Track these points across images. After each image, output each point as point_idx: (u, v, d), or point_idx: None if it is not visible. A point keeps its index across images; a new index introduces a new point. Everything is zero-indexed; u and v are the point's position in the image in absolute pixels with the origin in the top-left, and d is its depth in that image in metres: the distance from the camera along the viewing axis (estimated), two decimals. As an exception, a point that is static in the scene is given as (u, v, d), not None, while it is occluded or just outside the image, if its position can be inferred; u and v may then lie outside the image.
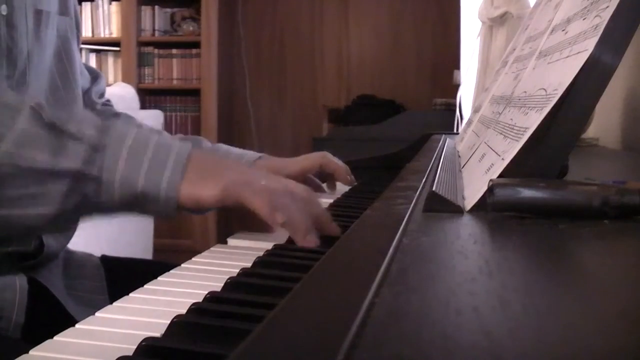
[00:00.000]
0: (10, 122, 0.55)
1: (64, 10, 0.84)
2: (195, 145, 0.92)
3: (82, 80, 0.96)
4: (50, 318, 0.73)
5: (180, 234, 3.06)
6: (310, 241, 0.58)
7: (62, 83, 0.82)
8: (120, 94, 2.38)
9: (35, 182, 0.55)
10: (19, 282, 0.71)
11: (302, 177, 0.89)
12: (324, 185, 0.96)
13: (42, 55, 0.78)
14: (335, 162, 0.91)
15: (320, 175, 0.94)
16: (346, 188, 0.97)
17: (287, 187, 0.60)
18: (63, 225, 0.59)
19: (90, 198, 0.57)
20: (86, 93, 0.97)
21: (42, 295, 0.75)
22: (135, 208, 0.59)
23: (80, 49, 0.96)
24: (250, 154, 0.91)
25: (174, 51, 3.32)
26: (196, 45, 3.26)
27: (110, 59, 3.32)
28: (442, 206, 0.46)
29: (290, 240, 0.61)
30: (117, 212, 0.60)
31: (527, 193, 0.42)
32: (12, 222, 0.56)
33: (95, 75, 1.01)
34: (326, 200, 0.83)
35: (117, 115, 1.00)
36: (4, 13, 0.71)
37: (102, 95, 1.03)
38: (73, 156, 0.55)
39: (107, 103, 1.03)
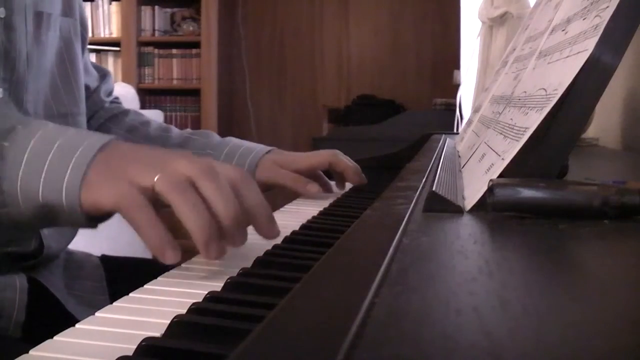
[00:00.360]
0: None
1: (67, 12, 0.84)
2: (209, 137, 0.92)
3: (90, 79, 0.96)
4: (50, 318, 0.73)
5: (180, 234, 3.06)
6: (214, 251, 0.47)
7: (62, 84, 0.82)
8: (120, 94, 2.38)
9: None
10: (19, 281, 0.71)
11: (310, 174, 0.88)
12: (333, 184, 0.95)
13: (42, 57, 0.77)
14: (344, 161, 0.89)
15: (328, 174, 0.93)
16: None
17: (189, 179, 0.48)
18: None
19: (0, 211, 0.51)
20: (95, 92, 0.97)
21: (42, 295, 0.75)
22: (48, 219, 0.51)
23: (89, 50, 0.96)
24: (260, 147, 0.90)
25: (174, 51, 3.32)
26: (196, 45, 3.26)
27: (110, 59, 3.32)
28: (442, 206, 0.46)
29: (288, 240, 0.61)
30: (35, 226, 0.57)
31: (527, 193, 0.42)
32: None
33: (103, 74, 1.01)
34: (325, 202, 0.83)
35: (125, 112, 1.00)
36: (2, 16, 0.70)
37: (110, 93, 1.03)
38: None
39: (116, 100, 1.03)
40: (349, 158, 0.91)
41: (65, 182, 0.48)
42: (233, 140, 0.92)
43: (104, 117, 0.98)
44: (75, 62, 0.85)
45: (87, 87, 0.93)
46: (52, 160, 0.49)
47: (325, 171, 0.91)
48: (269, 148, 0.90)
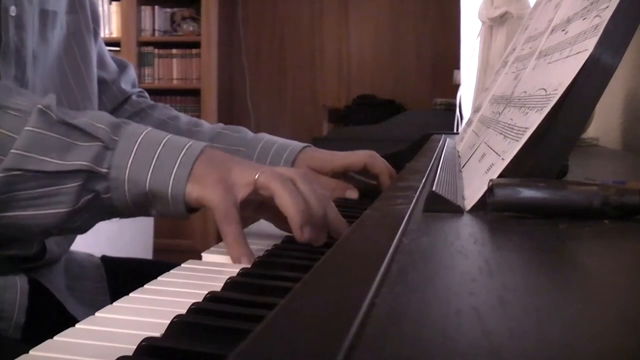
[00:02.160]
0: (21, 127, 0.55)
1: (74, 8, 0.83)
2: (240, 132, 0.90)
3: (106, 73, 0.94)
4: (50, 318, 0.73)
5: (180, 234, 3.06)
6: (308, 233, 0.55)
7: (74, 81, 0.81)
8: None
9: (46, 183, 0.55)
10: (20, 282, 0.71)
11: (343, 174, 0.86)
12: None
13: (48, 55, 0.77)
14: (380, 164, 0.86)
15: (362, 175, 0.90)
16: None
17: (292, 180, 0.57)
18: (80, 226, 0.59)
19: (101, 197, 0.56)
20: (113, 84, 0.95)
21: (42, 296, 0.75)
22: (148, 207, 0.58)
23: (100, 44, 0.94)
24: (296, 144, 0.88)
25: (174, 51, 3.33)
26: (196, 45, 3.26)
27: (110, 59, 3.32)
28: (442, 206, 0.46)
29: (288, 240, 0.61)
30: (131, 212, 0.59)
31: (527, 193, 0.42)
32: (24, 223, 0.56)
33: (123, 66, 0.99)
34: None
35: (153, 106, 0.98)
36: (13, 14, 0.70)
37: (134, 84, 1.01)
38: (83, 153, 0.55)
39: (142, 94, 1.01)
40: (384, 160, 0.88)
41: (173, 175, 0.56)
42: (266, 137, 0.90)
43: (130, 112, 0.96)
44: (88, 58, 0.84)
45: (103, 81, 0.92)
46: (160, 155, 0.56)
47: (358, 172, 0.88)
48: (304, 144, 0.89)
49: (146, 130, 0.58)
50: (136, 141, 0.57)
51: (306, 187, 0.57)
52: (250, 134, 0.91)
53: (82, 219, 0.58)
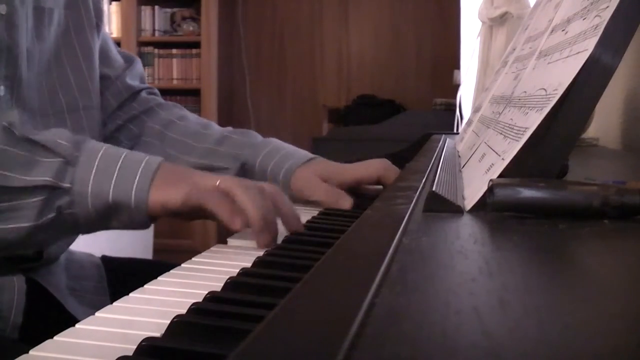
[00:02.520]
0: None
1: (74, 4, 0.82)
2: (248, 136, 0.88)
3: (110, 69, 0.92)
4: (49, 318, 0.73)
5: (180, 234, 3.06)
6: (264, 239, 0.58)
7: (74, 78, 0.80)
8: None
9: (9, 197, 0.56)
10: (17, 282, 0.71)
11: (355, 187, 0.82)
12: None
13: (44, 53, 0.76)
14: (395, 175, 0.81)
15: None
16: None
17: (253, 186, 0.60)
18: (42, 242, 0.61)
19: (64, 211, 0.58)
20: (118, 79, 0.93)
21: (41, 296, 0.75)
22: (110, 219, 0.60)
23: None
24: (300, 155, 0.84)
25: (174, 51, 3.32)
26: (196, 45, 3.26)
27: (110, 59, 3.32)
28: (442, 206, 0.46)
29: (288, 240, 0.61)
30: (94, 226, 0.61)
31: (527, 193, 0.42)
32: None
33: (129, 60, 0.97)
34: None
35: (162, 105, 0.95)
36: (3, 12, 0.70)
37: (142, 79, 0.98)
38: (46, 170, 0.57)
39: (152, 91, 0.98)
40: (397, 170, 0.83)
41: (135, 185, 0.58)
42: (274, 142, 0.87)
43: (138, 110, 0.93)
44: (89, 53, 0.83)
45: (106, 77, 0.90)
46: (121, 167, 0.59)
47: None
48: (309, 156, 0.84)
49: (105, 147, 0.60)
50: (97, 157, 0.59)
51: (251, 193, 0.59)
52: (259, 138, 0.88)
53: (45, 235, 0.59)
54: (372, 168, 0.82)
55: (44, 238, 0.60)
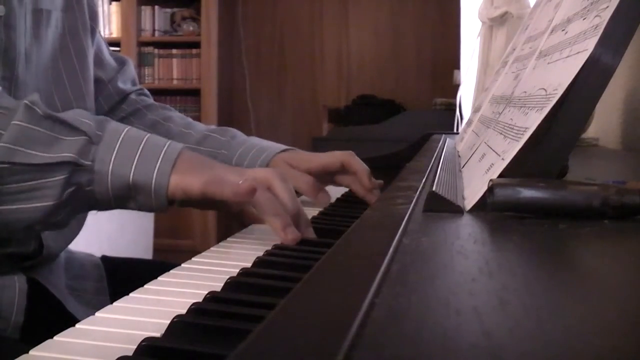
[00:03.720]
0: (7, 123, 0.56)
1: (70, 6, 0.82)
2: (228, 135, 0.90)
3: (103, 72, 0.93)
4: (49, 318, 0.73)
5: (180, 234, 3.06)
6: (292, 234, 0.59)
7: (68, 80, 0.80)
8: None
9: (33, 176, 0.56)
10: (19, 282, 0.71)
11: (321, 174, 0.86)
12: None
13: (42, 54, 0.76)
14: (358, 163, 0.86)
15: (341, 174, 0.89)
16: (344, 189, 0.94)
17: (268, 182, 0.62)
18: (60, 221, 0.60)
19: (84, 189, 0.58)
20: (110, 83, 0.94)
21: (41, 296, 0.75)
22: (128, 200, 0.60)
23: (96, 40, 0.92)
24: (274, 147, 0.88)
25: (174, 51, 3.32)
26: (196, 45, 3.26)
27: (110, 59, 3.31)
28: (442, 206, 0.46)
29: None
30: (111, 205, 0.60)
31: (527, 193, 0.42)
32: (9, 219, 0.56)
33: (121, 63, 0.98)
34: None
35: (149, 106, 0.97)
36: (2, 14, 0.70)
37: (134, 82, 1.00)
38: (68, 147, 0.57)
39: (142, 92, 1.00)
40: (360, 161, 0.87)
41: (157, 169, 0.58)
42: (249, 141, 0.90)
43: (126, 111, 0.96)
44: (83, 56, 0.84)
45: (100, 80, 0.91)
46: (143, 150, 0.59)
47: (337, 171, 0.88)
48: (284, 147, 0.88)
49: (127, 128, 0.60)
50: (119, 138, 0.59)
51: (281, 186, 0.62)
52: (238, 137, 0.91)
53: (65, 212, 0.59)
54: (336, 155, 0.87)
55: (62, 216, 0.59)
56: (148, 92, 1.02)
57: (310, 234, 0.64)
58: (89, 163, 0.57)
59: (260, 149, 0.87)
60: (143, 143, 0.59)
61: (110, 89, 0.95)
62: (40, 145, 0.56)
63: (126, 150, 0.58)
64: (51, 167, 0.56)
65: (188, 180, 0.58)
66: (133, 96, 0.97)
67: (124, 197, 0.59)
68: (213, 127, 0.94)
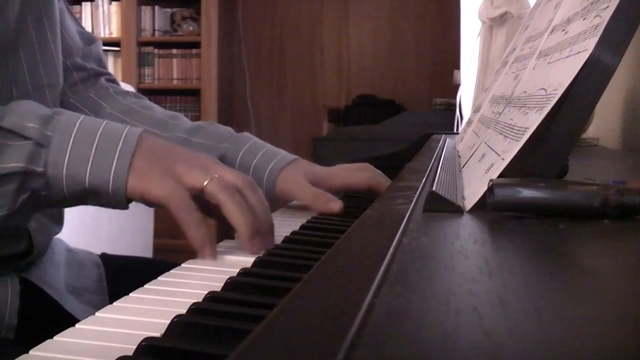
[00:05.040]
0: None
1: None
2: (219, 128, 0.84)
3: (73, 46, 0.87)
4: (45, 318, 0.72)
5: (180, 234, 3.04)
6: (255, 245, 0.56)
7: (41, 55, 0.74)
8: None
9: None
10: (11, 284, 0.70)
11: (344, 192, 0.79)
12: None
13: (7, 32, 0.69)
14: (385, 184, 0.78)
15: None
16: None
17: (237, 188, 0.57)
18: (15, 227, 0.58)
19: (39, 193, 0.55)
20: (69, 58, 0.86)
21: (36, 296, 0.74)
22: (87, 200, 0.57)
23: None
24: (284, 153, 0.81)
25: (174, 51, 3.33)
26: (196, 45, 3.26)
27: (110, 59, 3.32)
28: (442, 206, 0.46)
29: (288, 240, 0.61)
30: (69, 204, 0.58)
31: (527, 193, 0.42)
32: None
33: (88, 41, 0.91)
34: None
35: (124, 93, 0.90)
36: None
37: (100, 62, 0.92)
38: (16, 154, 0.53)
39: (114, 80, 0.93)
40: (385, 177, 0.81)
41: (113, 170, 0.54)
42: (252, 138, 0.83)
43: (95, 95, 0.88)
44: (55, 30, 0.78)
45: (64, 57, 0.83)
46: (97, 148, 0.55)
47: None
48: (293, 156, 0.81)
49: (80, 120, 0.56)
50: (71, 134, 0.55)
51: (253, 196, 0.58)
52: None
53: (20, 217, 0.57)
54: (361, 177, 0.79)
55: (19, 221, 0.57)
56: (118, 82, 0.95)
57: (270, 244, 0.59)
58: (41, 169, 0.54)
59: (267, 154, 0.80)
60: (97, 137, 0.55)
61: (69, 64, 0.86)
62: None
63: (80, 149, 0.54)
64: (0, 178, 0.53)
65: (145, 184, 0.55)
66: (102, 81, 0.91)
67: (81, 197, 0.57)
68: (201, 122, 0.88)
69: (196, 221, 0.55)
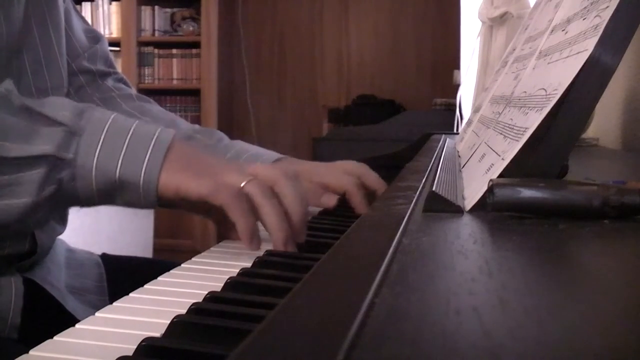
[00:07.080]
0: None
1: None
2: (214, 138, 0.85)
3: (80, 48, 0.86)
4: (48, 318, 0.73)
5: (180, 234, 3.06)
6: (292, 248, 0.56)
7: (45, 57, 0.74)
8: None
9: (8, 170, 0.52)
10: (15, 284, 0.70)
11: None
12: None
13: (12, 35, 0.70)
14: (375, 178, 0.78)
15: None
16: None
17: (273, 181, 0.57)
18: (40, 219, 0.56)
19: (65, 185, 0.54)
20: (75, 61, 0.86)
21: (39, 296, 0.74)
22: (113, 197, 0.56)
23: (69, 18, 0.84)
24: (269, 154, 0.82)
25: (174, 51, 3.33)
26: (196, 45, 3.26)
27: (110, 59, 3.31)
28: (442, 206, 0.46)
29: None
30: (94, 201, 0.57)
31: (527, 193, 0.42)
32: None
33: (95, 39, 0.90)
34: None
35: (126, 96, 0.90)
36: None
37: (107, 61, 0.92)
38: (47, 140, 0.53)
39: (122, 79, 0.92)
40: (380, 179, 0.79)
41: (146, 163, 0.54)
42: (240, 144, 0.85)
43: (99, 99, 0.87)
44: (60, 32, 0.78)
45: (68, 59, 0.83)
46: (130, 141, 0.54)
47: None
48: (278, 156, 0.82)
49: (112, 117, 0.56)
50: (104, 127, 0.54)
51: (290, 192, 0.57)
52: (225, 140, 0.86)
53: (43, 210, 0.55)
54: (343, 181, 0.76)
55: (41, 215, 0.55)
56: (128, 81, 0.95)
57: (301, 240, 0.59)
58: (71, 156, 0.53)
59: (251, 157, 0.82)
60: (130, 133, 0.55)
61: (74, 67, 0.86)
62: (17, 137, 0.52)
63: (112, 142, 0.54)
64: (29, 161, 0.52)
65: (181, 179, 0.54)
66: (109, 83, 0.90)
67: (109, 193, 0.55)
68: (197, 127, 0.88)
69: (246, 212, 0.55)
